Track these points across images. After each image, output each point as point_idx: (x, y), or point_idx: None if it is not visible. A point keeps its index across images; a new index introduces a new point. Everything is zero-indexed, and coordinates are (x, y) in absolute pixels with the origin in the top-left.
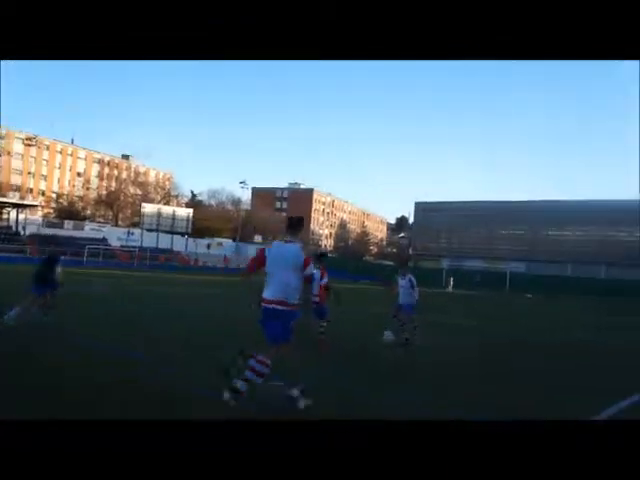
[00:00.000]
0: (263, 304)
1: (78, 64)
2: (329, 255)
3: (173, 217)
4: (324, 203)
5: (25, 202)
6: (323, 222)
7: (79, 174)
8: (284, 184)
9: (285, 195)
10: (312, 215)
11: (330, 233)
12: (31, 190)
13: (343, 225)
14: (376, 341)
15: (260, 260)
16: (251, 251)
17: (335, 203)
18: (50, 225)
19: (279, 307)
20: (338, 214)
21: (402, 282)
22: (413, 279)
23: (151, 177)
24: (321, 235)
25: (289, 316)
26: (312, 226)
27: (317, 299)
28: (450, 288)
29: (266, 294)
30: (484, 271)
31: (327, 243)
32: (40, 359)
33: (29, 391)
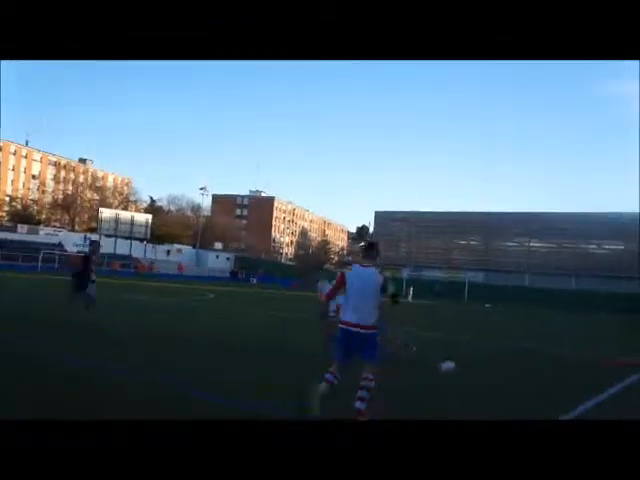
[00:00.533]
0: (342, 326)
1: (34, 66)
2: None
3: (132, 223)
4: (285, 211)
5: None
6: (284, 230)
7: (34, 177)
8: (245, 191)
9: (246, 202)
10: (273, 223)
11: (291, 241)
12: None
13: (304, 233)
14: None
15: (340, 284)
16: (211, 258)
17: (296, 211)
18: (3, 229)
19: (361, 330)
20: (299, 222)
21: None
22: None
23: (109, 182)
24: (282, 243)
25: (372, 337)
26: (273, 234)
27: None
28: (410, 298)
29: (347, 317)
30: (443, 281)
31: (288, 251)
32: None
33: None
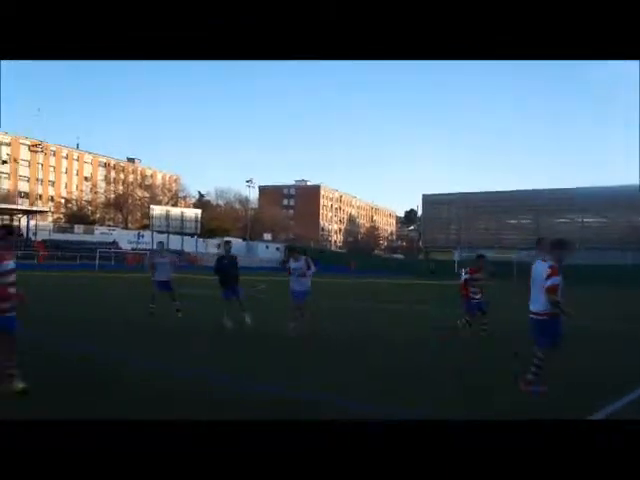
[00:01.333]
0: (529, 315)
1: (78, 69)
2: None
3: (182, 218)
4: (332, 199)
5: (35, 208)
6: (331, 218)
7: (86, 178)
8: (291, 181)
9: (292, 192)
10: (320, 211)
11: (339, 229)
12: (40, 196)
13: (352, 220)
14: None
15: None
16: (261, 249)
17: (343, 198)
18: (61, 230)
19: (533, 316)
20: (346, 209)
21: (295, 265)
22: (309, 260)
23: (158, 179)
24: (330, 231)
25: (540, 322)
26: (321, 222)
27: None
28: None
29: (530, 307)
30: (494, 261)
31: (336, 239)
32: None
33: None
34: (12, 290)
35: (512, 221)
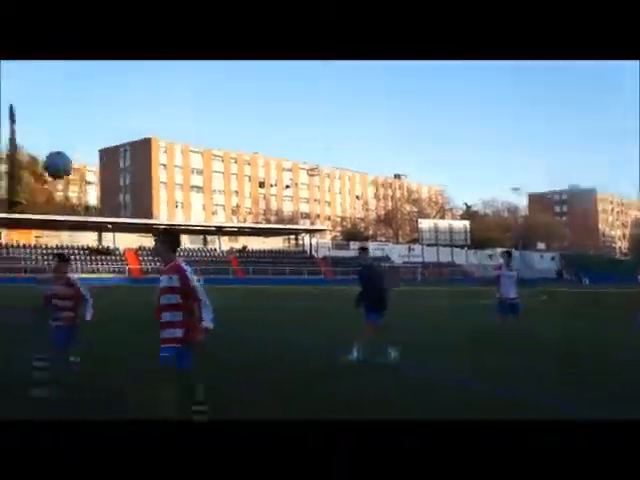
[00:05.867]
0: None
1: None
2: None
3: (450, 230)
4: (611, 202)
5: (315, 227)
6: (613, 222)
7: (357, 197)
8: (562, 187)
9: (564, 198)
10: (599, 216)
11: (623, 234)
12: (318, 216)
13: (638, 224)
14: None
15: None
16: (536, 259)
17: (624, 201)
18: (338, 247)
19: None
20: (630, 212)
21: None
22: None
23: (424, 193)
24: (613, 237)
25: None
26: (601, 227)
27: None
28: None
29: None
30: None
31: (620, 245)
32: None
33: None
34: None
35: None
